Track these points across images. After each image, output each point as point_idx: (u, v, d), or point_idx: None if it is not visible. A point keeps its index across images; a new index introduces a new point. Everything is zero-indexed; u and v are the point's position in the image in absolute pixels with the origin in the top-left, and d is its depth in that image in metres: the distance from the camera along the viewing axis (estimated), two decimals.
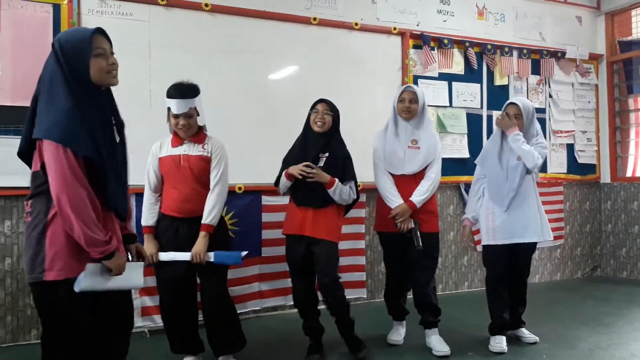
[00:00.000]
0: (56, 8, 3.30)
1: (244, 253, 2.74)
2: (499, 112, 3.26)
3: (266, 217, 3.81)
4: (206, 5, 3.68)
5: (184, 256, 2.63)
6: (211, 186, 2.73)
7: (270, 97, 3.89)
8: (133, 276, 1.91)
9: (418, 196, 3.03)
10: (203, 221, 2.66)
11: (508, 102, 3.20)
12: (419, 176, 3.09)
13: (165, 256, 2.66)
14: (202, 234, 2.65)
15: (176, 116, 2.67)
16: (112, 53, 1.87)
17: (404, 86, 3.25)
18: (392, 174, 3.11)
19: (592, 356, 3.00)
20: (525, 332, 3.23)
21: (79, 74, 1.76)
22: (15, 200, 3.26)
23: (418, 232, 2.98)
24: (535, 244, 3.14)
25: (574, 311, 4.00)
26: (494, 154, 3.13)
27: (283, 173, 2.93)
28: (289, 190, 2.97)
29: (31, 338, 3.29)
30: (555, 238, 5.09)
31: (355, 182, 3.00)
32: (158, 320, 3.46)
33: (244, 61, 3.80)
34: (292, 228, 2.93)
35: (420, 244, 2.96)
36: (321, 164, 2.89)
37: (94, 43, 1.78)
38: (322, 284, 2.88)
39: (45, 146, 1.71)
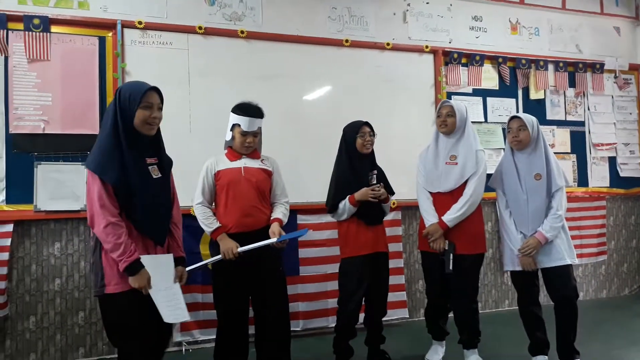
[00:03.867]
0: (102, 40, 3.49)
1: (306, 231, 2.89)
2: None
3: (303, 237, 3.85)
4: (242, 32, 3.81)
5: (263, 243, 2.67)
6: (278, 199, 2.89)
7: (305, 118, 3.97)
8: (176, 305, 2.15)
9: (450, 215, 2.96)
10: (275, 216, 2.80)
11: (510, 117, 3.04)
12: (457, 193, 3.00)
13: (244, 248, 2.66)
14: (275, 223, 2.76)
15: (245, 133, 2.78)
16: (160, 109, 2.17)
17: (442, 101, 3.22)
18: (430, 192, 3.08)
19: None
20: None
21: (126, 119, 2.08)
22: (64, 223, 3.42)
23: (450, 255, 2.91)
24: (567, 266, 2.93)
25: (620, 330, 3.86)
26: (512, 174, 3.00)
27: (347, 199, 2.96)
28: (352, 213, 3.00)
29: (79, 356, 3.42)
30: (599, 254, 4.98)
31: (393, 194, 3.17)
32: (197, 335, 3.55)
33: (279, 84, 3.91)
34: (365, 248, 2.97)
35: (450, 268, 2.90)
36: (374, 181, 3.02)
37: (145, 97, 2.09)
38: (383, 295, 3.08)
39: (87, 173, 2.07)
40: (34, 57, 3.33)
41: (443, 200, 3.03)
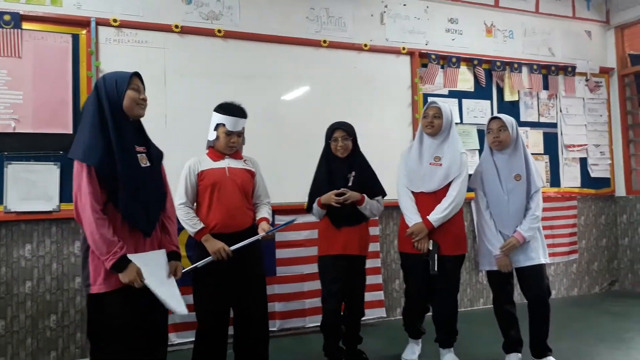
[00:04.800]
0: (75, 38, 3.43)
1: (294, 220, 3.01)
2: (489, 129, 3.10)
3: (280, 237, 3.85)
4: (219, 31, 3.79)
5: (253, 238, 2.69)
6: (261, 200, 2.90)
7: (283, 118, 3.97)
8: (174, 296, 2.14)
9: (436, 215, 2.96)
10: (261, 215, 2.81)
11: (489, 119, 3.10)
12: (440, 194, 3.01)
13: (235, 247, 2.66)
14: (263, 222, 2.78)
15: (230, 133, 2.77)
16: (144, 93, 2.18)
17: (429, 102, 3.19)
18: (413, 192, 3.08)
19: None
20: None
21: (114, 103, 2.05)
22: (36, 224, 3.35)
23: (435, 255, 2.92)
24: (541, 265, 2.99)
25: (591, 327, 3.96)
26: (493, 175, 3.03)
27: (316, 201, 3.01)
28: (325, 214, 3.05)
29: None
30: (570, 253, 5.09)
31: (383, 195, 3.14)
32: (173, 339, 3.51)
33: (257, 84, 3.89)
34: (335, 248, 2.98)
35: (435, 269, 2.91)
36: (350, 183, 3.00)
37: (131, 80, 2.11)
38: (359, 298, 3.07)
39: (74, 165, 2.01)
40: (5, 54, 3.25)
41: (425, 200, 3.04)
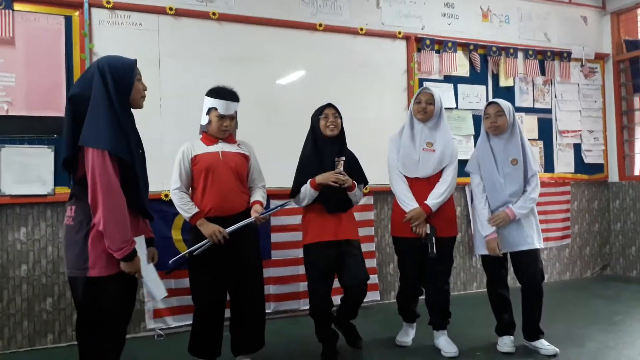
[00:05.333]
0: (68, 20, 3.39)
1: (287, 202, 3.01)
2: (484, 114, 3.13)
3: (275, 221, 3.87)
4: (214, 14, 3.75)
5: (247, 221, 2.71)
6: (255, 183, 2.90)
7: (278, 102, 3.95)
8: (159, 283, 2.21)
9: (433, 199, 3.00)
10: (255, 199, 2.81)
11: (487, 103, 3.12)
12: (434, 179, 3.06)
13: (230, 229, 2.68)
14: (256, 205, 2.78)
15: (222, 117, 2.76)
16: None
17: (421, 88, 3.20)
18: (406, 177, 3.09)
19: (600, 355, 3.01)
20: (544, 344, 3.04)
21: (123, 92, 2.04)
22: (30, 207, 3.34)
23: (433, 239, 2.95)
24: (535, 250, 3.03)
25: (582, 310, 4.01)
26: (489, 160, 3.05)
27: (309, 183, 2.90)
28: (313, 200, 2.93)
29: (47, 342, 3.36)
30: (563, 237, 5.14)
31: (366, 184, 3.12)
32: (170, 322, 3.54)
33: (252, 68, 3.87)
34: (325, 235, 2.93)
35: (434, 252, 2.93)
36: (340, 168, 2.89)
37: (136, 69, 2.09)
38: (358, 283, 2.90)
39: (89, 153, 1.94)
40: None
41: (420, 186, 3.06)
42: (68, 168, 2.06)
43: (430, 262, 3.01)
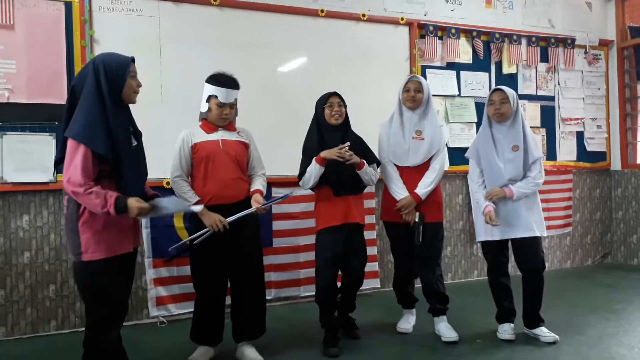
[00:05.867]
0: (68, 6, 3.36)
1: (290, 193, 3.01)
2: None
3: (276, 209, 3.87)
4: (215, 0, 3.72)
5: (247, 211, 2.69)
6: (255, 171, 2.88)
7: (280, 89, 3.93)
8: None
9: (423, 188, 3.06)
10: (255, 188, 2.80)
11: (491, 90, 3.11)
12: (423, 167, 3.12)
13: (230, 218, 2.67)
14: (256, 194, 2.77)
15: (222, 105, 2.74)
16: None
17: (409, 76, 3.27)
18: (396, 165, 3.15)
19: (600, 342, 3.03)
20: (544, 331, 3.06)
21: (114, 89, 2.13)
22: (33, 195, 3.34)
23: (421, 227, 3.01)
24: (537, 238, 3.03)
25: (583, 298, 4.02)
26: (490, 147, 3.06)
27: (314, 160, 2.89)
28: (321, 182, 2.93)
29: (50, 329, 3.39)
30: (565, 226, 5.14)
31: (378, 164, 3.13)
32: (172, 310, 3.56)
33: (253, 54, 3.85)
34: (337, 218, 2.94)
35: (420, 239, 3.00)
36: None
37: (131, 67, 2.18)
38: (359, 267, 3.02)
39: (67, 143, 2.08)
40: None
41: (410, 174, 3.12)
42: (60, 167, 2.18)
43: (418, 248, 3.06)
